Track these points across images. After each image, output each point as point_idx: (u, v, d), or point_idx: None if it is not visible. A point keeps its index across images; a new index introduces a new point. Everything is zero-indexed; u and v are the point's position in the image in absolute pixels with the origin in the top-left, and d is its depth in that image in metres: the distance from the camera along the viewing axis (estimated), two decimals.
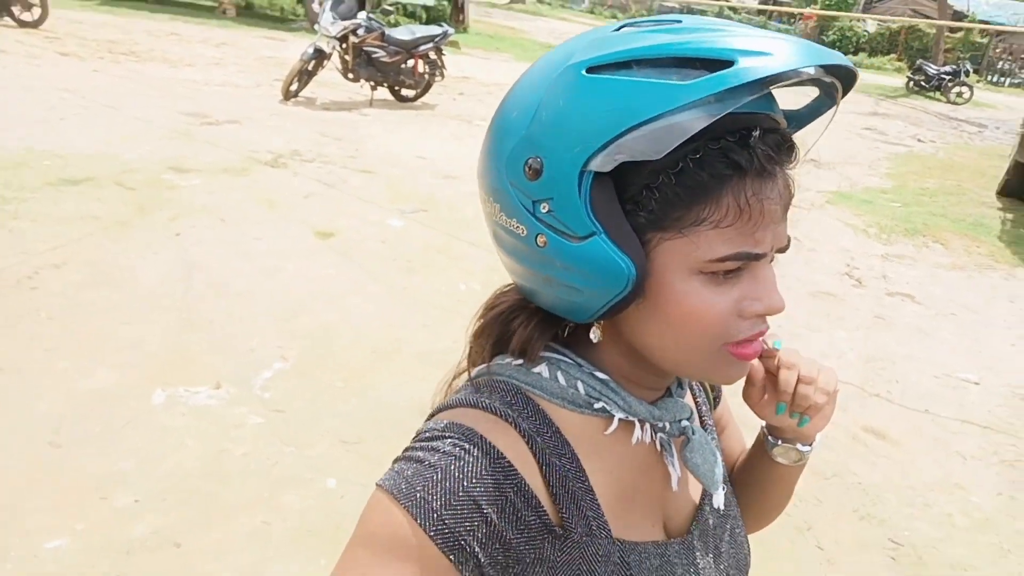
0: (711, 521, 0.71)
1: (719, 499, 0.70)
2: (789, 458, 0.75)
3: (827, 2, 26.13)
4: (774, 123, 0.54)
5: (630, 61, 0.50)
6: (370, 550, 0.54)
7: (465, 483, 0.54)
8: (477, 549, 0.54)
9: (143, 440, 2.50)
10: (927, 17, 23.96)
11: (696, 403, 0.77)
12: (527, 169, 0.53)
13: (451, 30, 8.32)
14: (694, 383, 0.79)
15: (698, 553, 0.68)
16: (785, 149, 0.54)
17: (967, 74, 17.44)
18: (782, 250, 0.57)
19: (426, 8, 14.13)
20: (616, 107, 0.49)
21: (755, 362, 0.68)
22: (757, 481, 0.81)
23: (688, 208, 0.52)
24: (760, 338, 0.58)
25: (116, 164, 4.94)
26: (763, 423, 0.75)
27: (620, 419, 0.62)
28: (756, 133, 0.51)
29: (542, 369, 0.62)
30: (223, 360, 2.99)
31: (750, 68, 0.47)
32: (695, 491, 0.72)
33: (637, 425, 0.63)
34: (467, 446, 0.56)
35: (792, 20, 28.71)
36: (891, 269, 5.20)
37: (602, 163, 0.50)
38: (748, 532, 0.78)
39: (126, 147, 5.32)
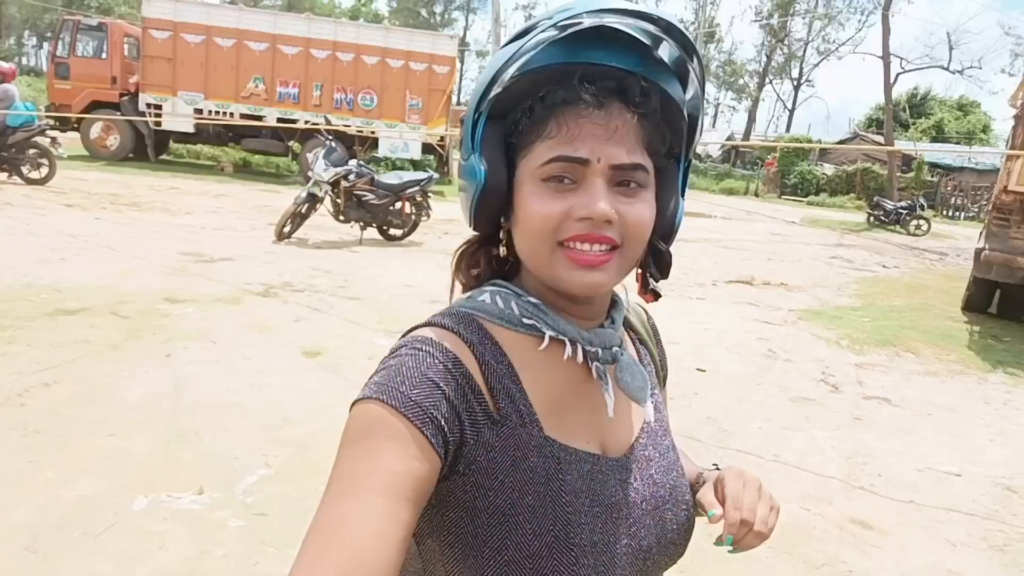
0: (648, 452, 0.78)
1: (649, 412, 0.79)
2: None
3: (784, 152, 28.21)
4: (597, 73, 0.66)
5: (526, 29, 0.70)
6: (354, 445, 0.61)
7: (423, 369, 0.64)
8: (443, 423, 0.62)
9: (124, 544, 2.46)
10: (879, 160, 25.82)
11: (642, 362, 0.86)
12: (474, 110, 0.73)
13: (436, 175, 8.95)
14: (642, 348, 0.88)
15: (632, 475, 0.74)
16: (617, 91, 0.67)
17: (922, 208, 18.53)
18: (621, 167, 0.66)
19: (412, 162, 15.13)
20: (495, 62, 0.69)
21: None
22: None
23: (532, 132, 0.68)
24: (596, 246, 0.66)
25: (112, 296, 5.12)
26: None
27: (551, 336, 0.71)
28: (579, 75, 0.66)
29: (485, 296, 0.74)
30: (207, 467, 3.00)
31: (557, 27, 0.64)
32: (636, 422, 0.80)
33: (568, 344, 0.72)
34: (421, 347, 0.67)
35: (756, 166, 30.77)
36: (865, 376, 5.33)
37: (485, 103, 0.69)
38: None
39: (123, 281, 5.53)
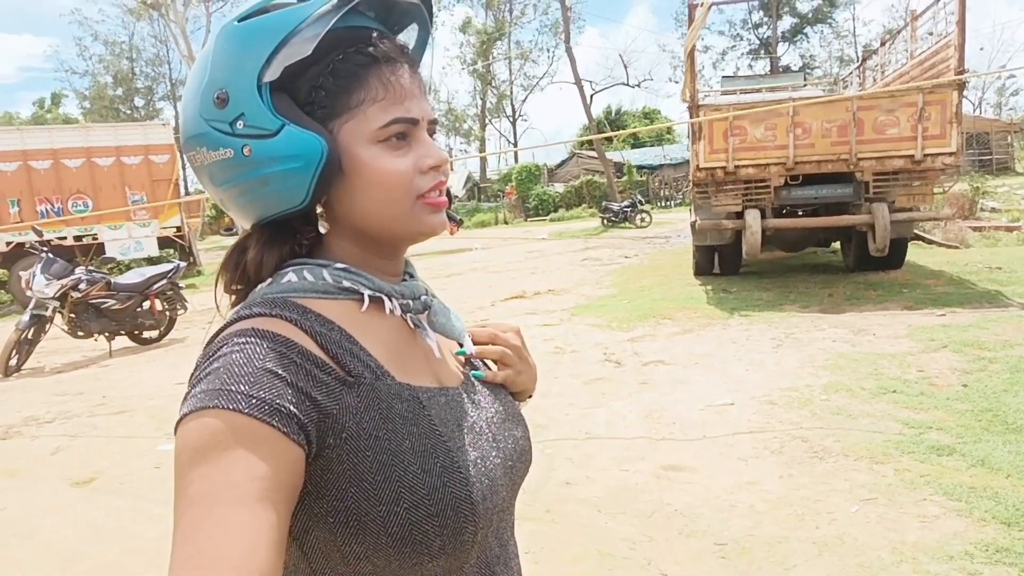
0: (475, 381, 0.85)
1: (468, 345, 0.85)
2: None
3: (519, 177, 30.58)
4: (386, 34, 0.73)
5: (266, 7, 0.68)
6: (203, 462, 0.56)
7: (256, 362, 0.60)
8: (292, 409, 0.60)
9: None
10: (597, 172, 29.08)
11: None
12: (216, 102, 0.67)
13: (182, 264, 8.25)
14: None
15: (476, 398, 0.80)
16: (401, 48, 0.73)
17: (642, 204, 21.26)
18: (434, 122, 0.74)
19: (149, 260, 13.79)
20: (268, 32, 0.66)
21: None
22: None
23: (348, 94, 0.68)
24: (443, 188, 0.74)
25: None
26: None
27: (369, 295, 0.72)
28: (375, 35, 0.70)
29: (289, 276, 0.71)
30: None
31: None
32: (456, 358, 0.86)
33: (386, 299, 0.74)
34: (242, 340, 0.62)
35: (498, 197, 32.90)
36: (639, 347, 5.97)
37: (271, 73, 0.65)
38: None
39: None
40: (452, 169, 0.79)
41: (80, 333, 7.26)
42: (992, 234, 13.37)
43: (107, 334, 7.42)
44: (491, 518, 0.72)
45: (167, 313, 7.90)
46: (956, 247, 11.71)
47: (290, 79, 0.67)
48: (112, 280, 7.48)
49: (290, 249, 0.74)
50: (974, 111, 38.95)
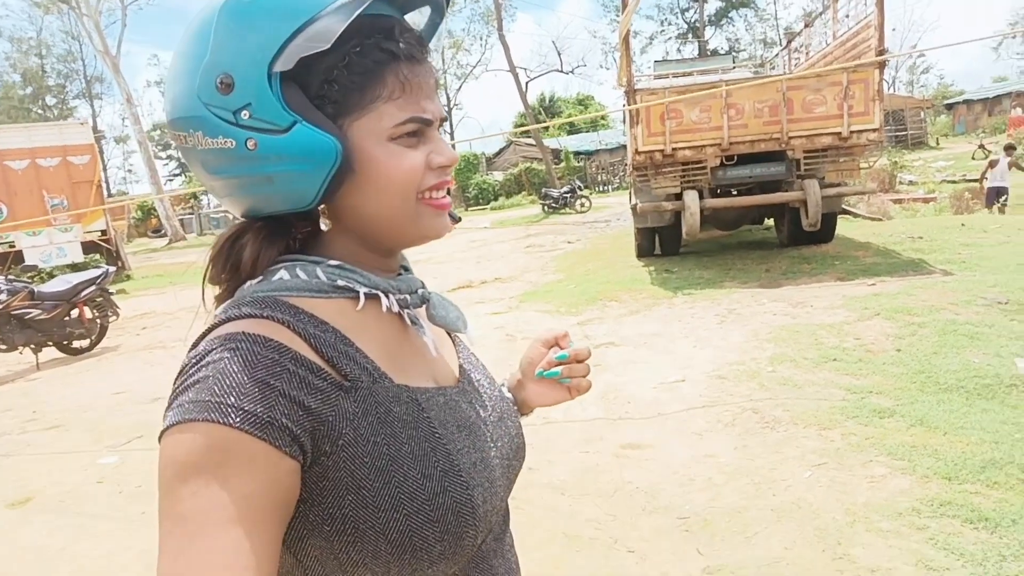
0: (474, 375, 0.82)
1: (467, 336, 0.83)
2: None
3: (457, 167, 30.45)
4: (407, 27, 0.69)
5: None
6: (193, 478, 0.54)
7: (246, 371, 0.57)
8: (285, 421, 0.57)
9: None
10: (535, 159, 29.18)
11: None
12: (220, 85, 0.61)
13: (112, 268, 7.87)
14: None
15: (473, 396, 0.78)
16: (420, 42, 0.70)
17: (580, 188, 21.45)
18: (444, 120, 0.72)
19: (73, 267, 13.12)
20: (283, 15, 0.60)
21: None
22: None
23: (363, 90, 0.64)
24: (447, 189, 0.72)
25: None
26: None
27: (365, 293, 0.69)
28: (397, 29, 0.66)
29: (281, 274, 0.68)
30: None
31: None
32: (453, 353, 0.83)
33: (383, 296, 0.71)
34: (232, 345, 0.59)
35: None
36: (589, 330, 6.03)
37: (284, 63, 0.59)
38: None
39: None
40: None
41: (3, 347, 6.85)
42: (911, 206, 14.07)
43: (33, 346, 7.02)
44: (492, 519, 0.70)
45: (98, 321, 7.52)
46: (879, 219, 12.27)
47: (302, 69, 0.61)
48: (35, 289, 7.08)
49: (286, 244, 0.71)
50: (888, 89, 40.83)
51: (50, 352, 7.33)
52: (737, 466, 3.27)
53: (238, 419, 0.55)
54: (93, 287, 7.30)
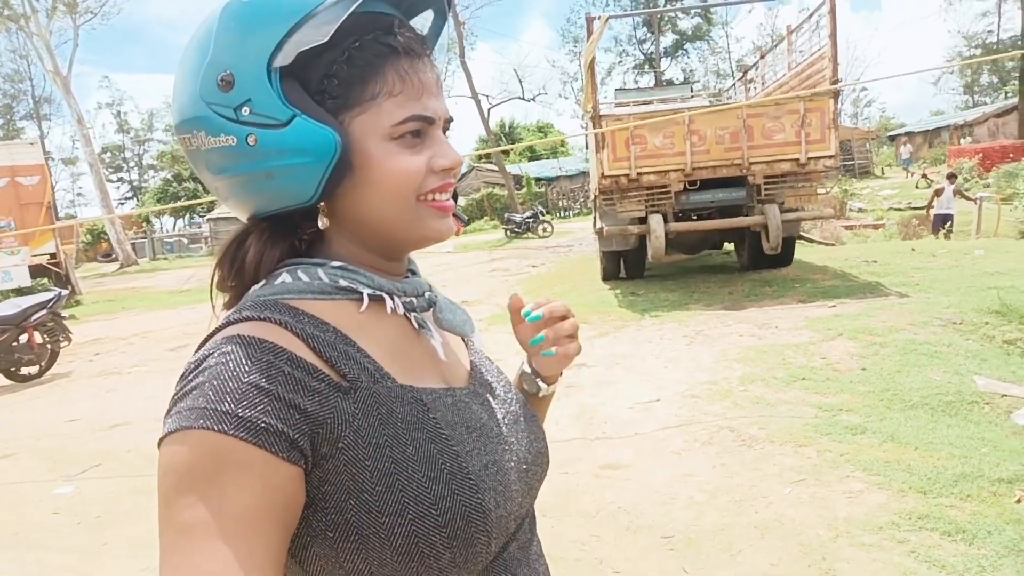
0: (487, 377, 0.79)
1: (477, 340, 0.82)
2: (531, 388, 0.88)
3: None
4: (406, 23, 0.69)
5: None
6: (190, 489, 0.53)
7: (241, 376, 0.56)
8: (281, 426, 0.56)
9: None
10: (497, 184, 29.38)
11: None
12: (220, 84, 0.62)
13: (65, 292, 7.58)
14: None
15: (485, 398, 0.75)
16: (420, 39, 0.69)
17: (543, 214, 21.63)
18: (448, 120, 0.71)
19: (19, 291, 12.60)
20: (281, 12, 0.61)
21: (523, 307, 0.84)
22: None
23: (363, 86, 0.64)
24: (450, 191, 0.70)
25: None
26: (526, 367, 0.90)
27: (369, 295, 0.68)
28: (396, 24, 0.66)
29: (283, 277, 0.67)
30: None
31: None
32: (465, 356, 0.81)
33: (387, 298, 0.70)
34: (227, 348, 0.58)
35: None
36: None
37: (283, 57, 0.60)
38: None
39: None
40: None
41: None
42: (862, 231, 14.60)
43: None
44: (507, 525, 0.68)
45: (48, 346, 7.21)
46: (832, 244, 12.68)
47: (301, 65, 0.62)
48: None
49: (290, 245, 0.70)
50: None
51: None
52: (717, 484, 3.28)
53: (233, 426, 0.54)
54: (44, 311, 7.02)
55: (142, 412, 5.33)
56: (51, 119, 47.82)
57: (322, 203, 0.67)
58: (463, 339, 0.84)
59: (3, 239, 12.33)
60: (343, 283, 0.67)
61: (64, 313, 7.48)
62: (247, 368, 0.57)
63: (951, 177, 13.33)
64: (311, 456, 0.58)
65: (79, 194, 55.45)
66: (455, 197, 0.78)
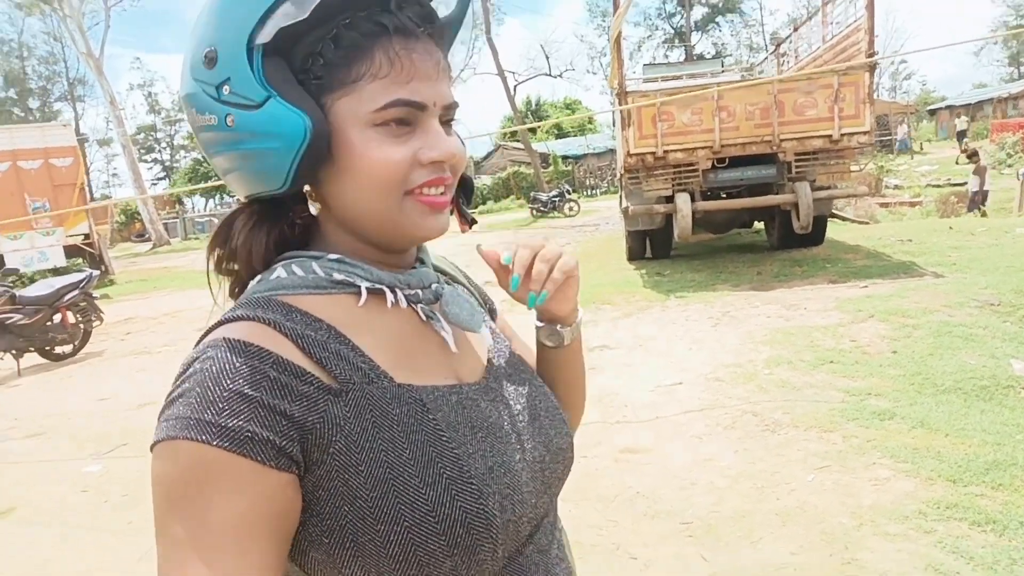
0: (505, 371, 0.75)
1: (487, 336, 0.76)
2: (553, 340, 0.82)
3: None
4: (412, 1, 0.64)
5: None
6: (180, 501, 0.53)
7: (224, 382, 0.55)
8: (266, 433, 0.54)
9: None
10: (523, 163, 29.17)
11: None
12: (205, 60, 0.60)
13: (96, 272, 7.72)
14: (458, 287, 0.83)
15: (499, 394, 0.71)
16: (427, 17, 0.64)
17: (569, 193, 21.43)
18: (449, 107, 0.65)
19: (54, 271, 12.91)
20: None
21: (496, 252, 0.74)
22: (546, 371, 0.86)
23: (348, 67, 0.60)
24: (444, 186, 0.64)
25: None
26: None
27: (367, 288, 0.65)
28: (395, 1, 0.62)
29: (279, 272, 0.65)
30: None
31: None
32: (482, 348, 0.76)
33: (387, 291, 0.66)
34: (212, 353, 0.57)
35: None
36: (583, 333, 5.96)
37: (264, 35, 0.57)
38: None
39: None
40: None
41: None
42: (897, 209, 14.21)
43: (14, 352, 6.86)
44: (517, 530, 0.64)
45: (81, 326, 7.37)
46: (866, 222, 12.36)
47: (289, 41, 0.59)
48: (16, 293, 6.93)
49: (280, 231, 0.67)
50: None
51: (32, 358, 7.17)
52: (739, 470, 3.22)
53: (217, 437, 0.53)
54: (76, 291, 7.16)
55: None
56: (85, 100, 48.80)
57: (308, 188, 0.64)
58: (491, 330, 0.80)
59: (38, 220, 12.61)
60: (338, 277, 0.64)
61: (96, 293, 7.63)
62: (231, 374, 0.55)
63: (973, 155, 12.88)
64: (303, 462, 0.56)
65: (114, 175, 56.26)
66: (469, 190, 0.74)
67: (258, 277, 0.66)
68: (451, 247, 0.90)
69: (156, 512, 0.55)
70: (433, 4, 0.66)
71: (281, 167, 0.60)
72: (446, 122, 0.66)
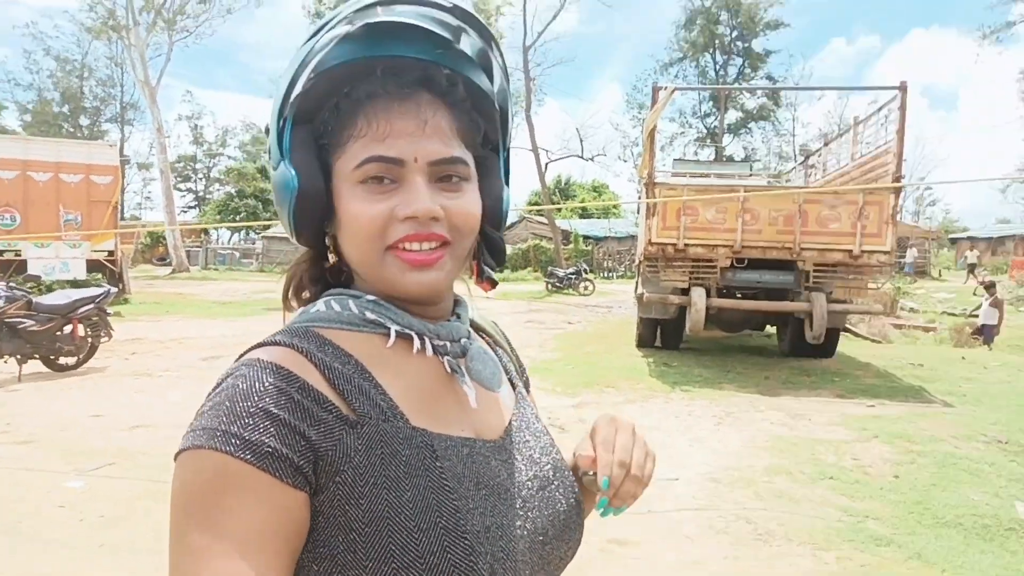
0: (524, 435, 0.75)
1: (506, 397, 0.77)
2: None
3: None
4: (394, 65, 0.65)
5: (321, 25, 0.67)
6: (198, 509, 0.55)
7: (253, 398, 0.58)
8: (285, 450, 0.56)
9: None
10: (545, 237, 29.56)
11: (503, 364, 0.83)
12: (266, 128, 0.72)
13: (114, 289, 7.83)
14: (497, 350, 0.86)
15: (513, 455, 0.71)
16: (422, 81, 0.66)
17: (586, 272, 21.64)
18: (440, 162, 0.66)
19: (73, 283, 13.07)
20: (292, 61, 0.67)
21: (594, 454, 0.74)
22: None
23: (343, 130, 0.66)
24: (426, 244, 0.65)
25: None
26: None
27: (396, 331, 0.68)
28: (380, 69, 0.65)
29: (320, 305, 0.70)
30: None
31: (351, 22, 0.64)
32: (506, 409, 0.76)
33: (415, 337, 0.69)
34: (245, 371, 0.61)
35: None
36: (584, 413, 5.93)
37: (289, 107, 0.66)
38: None
39: None
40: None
41: None
42: (911, 332, 14.13)
43: (19, 356, 6.88)
44: None
45: (89, 339, 7.41)
46: (879, 341, 12.30)
47: (311, 112, 0.67)
48: (34, 300, 7.02)
49: (322, 271, 0.74)
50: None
51: (35, 365, 7.19)
52: None
53: (240, 449, 0.55)
54: (91, 305, 7.25)
55: (165, 416, 5.40)
56: (133, 124, 50.34)
57: (328, 241, 0.71)
58: (516, 392, 0.81)
59: (68, 233, 12.87)
60: (370, 316, 0.68)
61: (110, 310, 7.71)
62: (259, 392, 0.58)
63: (990, 287, 12.91)
64: (314, 483, 0.58)
65: (147, 197, 57.64)
66: (497, 251, 0.76)
67: (302, 308, 0.72)
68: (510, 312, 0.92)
69: (173, 519, 0.56)
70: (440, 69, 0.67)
71: (287, 219, 0.69)
72: (444, 178, 0.67)
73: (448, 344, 0.71)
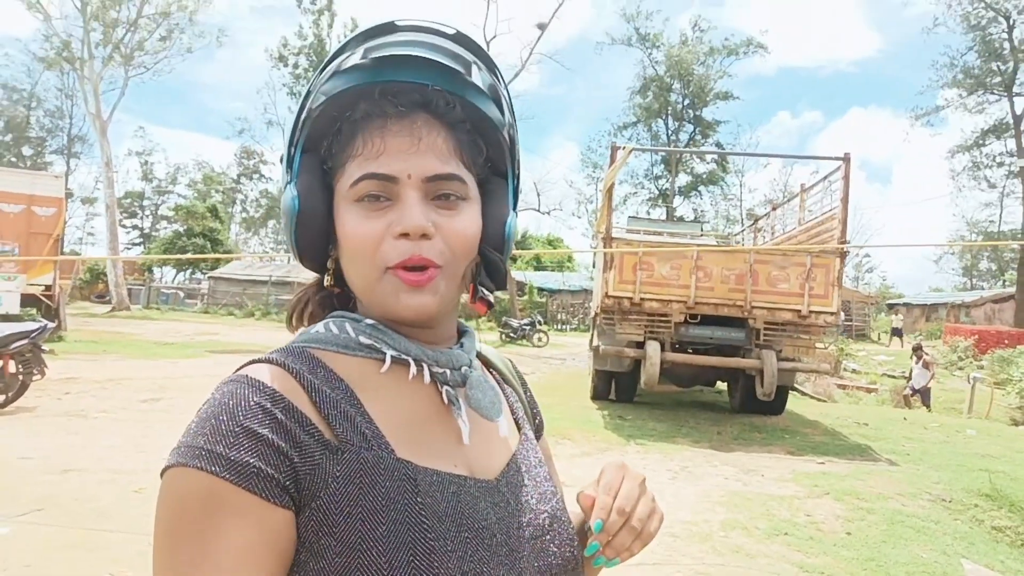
0: (522, 478, 0.71)
1: (503, 427, 0.74)
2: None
3: None
4: (393, 88, 0.65)
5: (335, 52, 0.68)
6: (182, 528, 0.54)
7: (238, 416, 0.57)
8: (270, 470, 0.55)
9: None
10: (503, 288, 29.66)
11: (509, 402, 0.80)
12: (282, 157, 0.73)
13: (51, 324, 7.47)
14: (507, 387, 0.83)
15: (506, 499, 0.67)
16: (421, 102, 0.65)
17: (540, 324, 21.73)
18: (434, 179, 0.64)
19: (4, 317, 12.43)
20: (306, 90, 0.69)
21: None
22: None
23: (342, 152, 0.66)
24: (421, 263, 0.63)
25: None
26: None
27: (392, 356, 0.66)
28: (378, 91, 0.64)
29: (319, 327, 0.69)
30: None
31: (364, 55, 0.64)
32: (505, 447, 0.73)
33: (412, 363, 0.66)
34: (232, 388, 0.59)
35: None
36: None
37: (301, 135, 0.68)
38: None
39: None
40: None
41: None
42: (854, 392, 14.56)
43: None
44: None
45: (20, 377, 7.00)
46: (824, 400, 12.61)
47: (320, 138, 0.68)
48: None
49: (330, 297, 0.74)
50: None
51: None
52: None
53: (225, 469, 0.54)
54: (25, 340, 6.87)
55: (98, 460, 5.10)
56: (80, 157, 49.10)
57: (330, 264, 0.71)
58: (520, 430, 0.78)
59: (3, 263, 12.31)
60: (364, 340, 0.66)
61: (45, 347, 7.33)
62: (244, 410, 0.57)
63: (917, 349, 13.55)
64: (299, 502, 0.57)
65: (90, 233, 55.86)
66: (495, 272, 0.73)
67: (302, 329, 0.72)
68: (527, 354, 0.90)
69: (157, 538, 0.55)
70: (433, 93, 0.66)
71: (290, 241, 0.69)
72: (442, 196, 0.66)
73: (448, 372, 0.69)
